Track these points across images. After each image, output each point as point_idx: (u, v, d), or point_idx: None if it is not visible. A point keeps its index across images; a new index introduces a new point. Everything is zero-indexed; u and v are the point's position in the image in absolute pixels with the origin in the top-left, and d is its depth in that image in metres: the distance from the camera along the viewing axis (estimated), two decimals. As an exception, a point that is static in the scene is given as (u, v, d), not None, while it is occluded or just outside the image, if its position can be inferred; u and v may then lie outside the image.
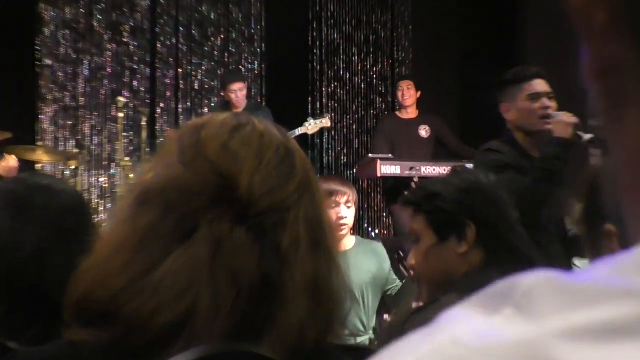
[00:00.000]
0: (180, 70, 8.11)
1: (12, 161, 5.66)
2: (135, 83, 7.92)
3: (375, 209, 8.36)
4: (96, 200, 7.54)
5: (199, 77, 8.18)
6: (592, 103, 0.44)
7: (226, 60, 8.26)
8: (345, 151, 8.47)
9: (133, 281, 0.90)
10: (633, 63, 0.41)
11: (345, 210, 3.72)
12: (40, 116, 7.59)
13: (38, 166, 6.84)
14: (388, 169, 6.06)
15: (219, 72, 8.14)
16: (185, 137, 1.00)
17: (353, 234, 3.99)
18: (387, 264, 3.97)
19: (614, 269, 0.38)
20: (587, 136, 3.19)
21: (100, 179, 7.70)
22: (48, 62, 7.64)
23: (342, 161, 8.38)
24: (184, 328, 0.88)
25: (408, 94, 6.93)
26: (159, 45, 8.04)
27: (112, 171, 7.66)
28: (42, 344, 1.06)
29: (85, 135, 7.73)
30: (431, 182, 2.27)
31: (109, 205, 7.52)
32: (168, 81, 8.07)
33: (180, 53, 8.11)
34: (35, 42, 7.57)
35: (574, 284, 0.38)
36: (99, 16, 7.79)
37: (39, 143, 7.20)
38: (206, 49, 8.21)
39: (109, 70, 7.83)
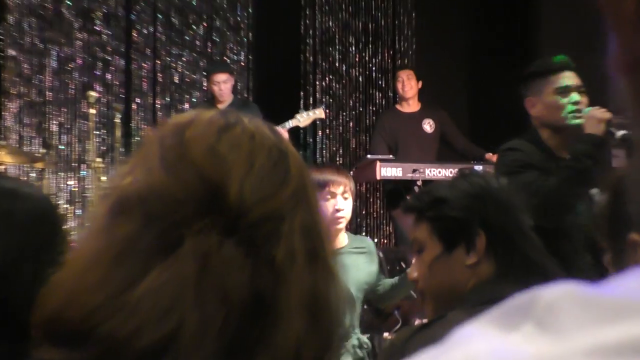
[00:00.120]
0: (158, 61, 8.10)
1: (-29, 163, 5.65)
2: (108, 76, 7.91)
3: (375, 215, 8.37)
4: (64, 206, 7.52)
5: (179, 70, 8.17)
6: (619, 97, 0.44)
7: (209, 50, 8.26)
8: (341, 151, 8.47)
9: (109, 299, 0.90)
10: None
11: (342, 202, 3.73)
12: (3, 113, 7.57)
13: (0, 168, 6.82)
14: (388, 171, 6.06)
15: (201, 63, 8.14)
16: (167, 138, 0.99)
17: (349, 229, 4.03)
18: (377, 260, 4.04)
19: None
20: (621, 133, 3.20)
21: (69, 182, 7.69)
22: (12, 52, 7.63)
23: (338, 162, 8.38)
24: (167, 352, 0.88)
25: (408, 85, 6.94)
26: (134, 34, 8.03)
27: (83, 173, 7.65)
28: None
29: (52, 134, 7.72)
30: (436, 186, 2.27)
31: (78, 212, 7.51)
32: (145, 74, 8.07)
33: (158, 43, 8.11)
34: (-3, 30, 7.57)
35: (601, 297, 0.38)
36: (68, 2, 7.79)
37: (2, 142, 7.18)
38: (187, 38, 8.21)
39: (79, 61, 7.82)
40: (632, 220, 1.50)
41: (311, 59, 8.46)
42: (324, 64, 8.51)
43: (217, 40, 8.30)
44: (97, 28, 7.89)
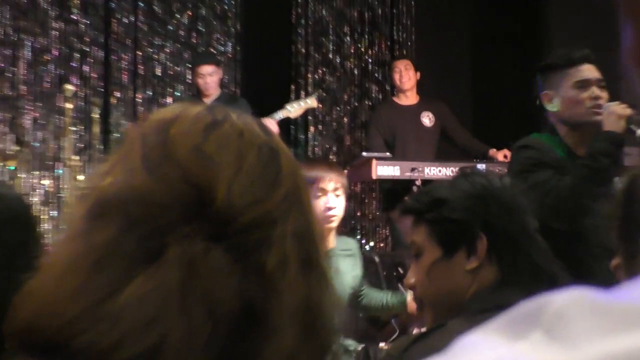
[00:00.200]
0: (139, 52, 8.09)
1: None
2: (86, 68, 7.90)
3: (370, 217, 8.37)
4: (39, 207, 7.51)
5: (162, 61, 8.17)
6: (634, 90, 0.45)
7: (194, 41, 8.25)
8: (334, 149, 8.47)
9: (88, 309, 0.89)
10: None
11: (333, 200, 3.72)
12: (-28, 107, 7.57)
13: (-30, 166, 6.82)
14: (385, 170, 6.06)
15: (185, 55, 8.13)
16: (149, 136, 0.98)
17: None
18: (360, 263, 4.07)
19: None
20: None
21: (44, 182, 7.67)
22: (-18, 43, 7.62)
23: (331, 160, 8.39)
24: None
25: (406, 75, 6.94)
26: (114, 24, 8.02)
27: (58, 172, 7.64)
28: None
29: (26, 130, 7.71)
30: (436, 186, 2.27)
31: (54, 213, 7.50)
32: (125, 66, 8.06)
33: (139, 33, 8.10)
34: (-33, 19, 7.55)
35: (613, 304, 0.38)
36: (43, -12, 7.78)
37: (-28, 139, 7.18)
38: (170, 27, 8.20)
39: (55, 53, 7.81)
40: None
41: (303, 50, 8.46)
42: (316, 55, 8.51)
43: (203, 30, 8.29)
44: (74, 17, 7.88)
